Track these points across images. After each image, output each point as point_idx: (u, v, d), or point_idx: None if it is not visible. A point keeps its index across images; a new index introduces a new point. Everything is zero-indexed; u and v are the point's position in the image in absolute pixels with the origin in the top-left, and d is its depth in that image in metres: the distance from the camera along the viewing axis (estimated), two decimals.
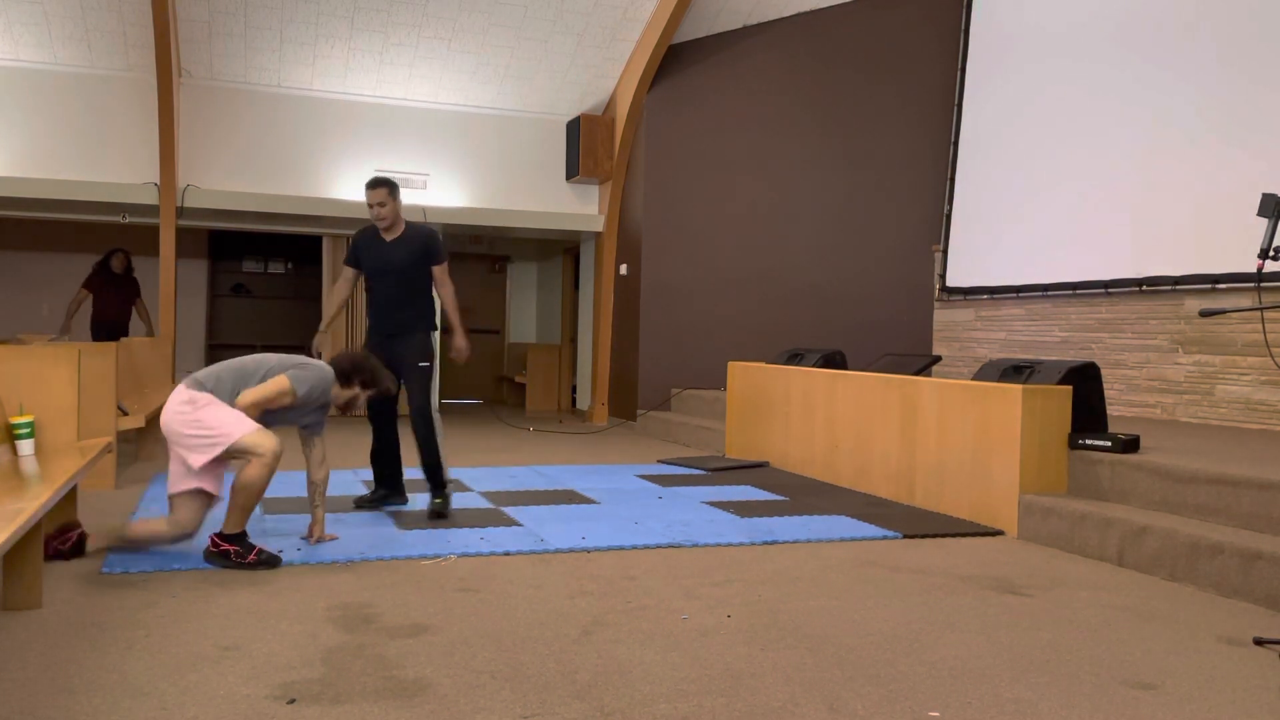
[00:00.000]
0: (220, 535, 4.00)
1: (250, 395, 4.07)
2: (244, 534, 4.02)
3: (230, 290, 12.71)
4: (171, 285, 9.18)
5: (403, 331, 5.24)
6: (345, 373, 4.33)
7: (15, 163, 8.91)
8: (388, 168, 9.93)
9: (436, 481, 5.17)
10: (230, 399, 4.05)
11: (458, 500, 5.59)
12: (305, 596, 3.60)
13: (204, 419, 3.93)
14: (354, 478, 6.36)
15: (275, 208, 9.50)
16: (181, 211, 9.34)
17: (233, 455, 3.96)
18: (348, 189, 9.83)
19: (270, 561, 4.02)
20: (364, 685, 2.73)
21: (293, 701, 2.60)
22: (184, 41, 8.95)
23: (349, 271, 5.40)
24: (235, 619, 3.30)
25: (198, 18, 8.74)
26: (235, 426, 3.95)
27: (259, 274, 12.83)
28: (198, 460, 3.92)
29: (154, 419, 7.15)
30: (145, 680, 2.73)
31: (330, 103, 9.79)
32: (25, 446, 4.20)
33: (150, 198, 9.10)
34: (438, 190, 10.11)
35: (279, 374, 4.15)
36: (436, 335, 5.26)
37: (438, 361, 5.23)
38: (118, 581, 3.75)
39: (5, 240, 11.56)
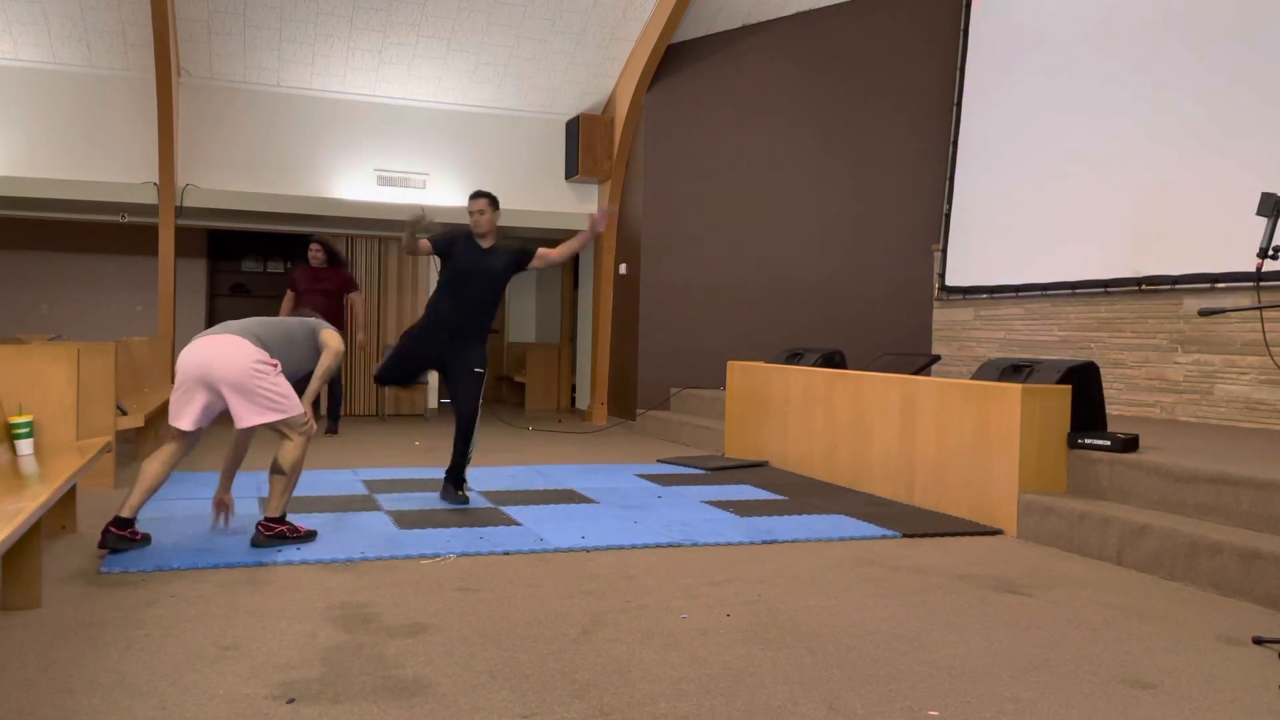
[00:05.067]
0: (270, 520, 4.29)
1: (330, 357, 4.42)
2: (285, 514, 4.37)
3: (229, 290, 12.69)
4: (171, 285, 9.18)
5: (469, 334, 5.44)
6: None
7: (15, 163, 8.91)
8: (387, 167, 9.93)
9: (457, 480, 5.55)
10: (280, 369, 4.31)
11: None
12: (304, 596, 3.60)
13: (279, 386, 4.19)
14: (354, 477, 6.36)
15: (274, 207, 9.50)
16: (180, 211, 9.34)
17: (280, 425, 4.20)
18: (347, 189, 9.83)
19: (311, 534, 4.44)
20: (363, 685, 2.73)
21: (292, 701, 2.60)
22: (183, 41, 8.95)
23: (425, 245, 5.47)
24: (234, 619, 3.30)
25: (197, 17, 8.73)
26: (296, 401, 4.25)
27: (258, 273, 12.81)
28: (253, 419, 4.13)
29: (153, 418, 7.15)
30: (144, 680, 2.73)
31: (329, 102, 9.79)
32: (24, 446, 4.20)
33: (149, 197, 9.10)
34: (437, 190, 10.11)
35: (322, 332, 4.49)
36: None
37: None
38: (117, 581, 3.75)
39: (5, 240, 11.56)
